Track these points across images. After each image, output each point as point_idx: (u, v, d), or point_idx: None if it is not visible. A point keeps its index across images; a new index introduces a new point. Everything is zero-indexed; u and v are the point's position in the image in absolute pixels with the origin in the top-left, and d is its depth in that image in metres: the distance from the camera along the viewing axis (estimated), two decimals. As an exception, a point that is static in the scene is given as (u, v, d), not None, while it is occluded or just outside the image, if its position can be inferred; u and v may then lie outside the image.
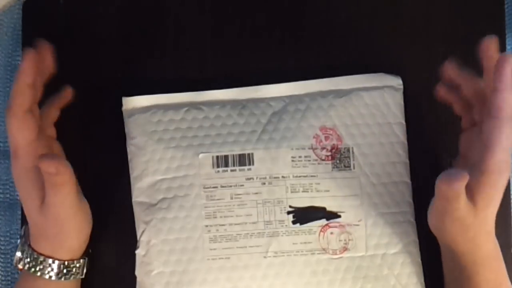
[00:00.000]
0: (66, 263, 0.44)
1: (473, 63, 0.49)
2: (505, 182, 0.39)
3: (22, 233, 0.46)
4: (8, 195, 0.50)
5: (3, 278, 0.49)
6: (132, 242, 0.47)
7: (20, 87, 0.41)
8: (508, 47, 0.50)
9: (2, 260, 0.50)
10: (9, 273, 0.49)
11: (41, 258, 0.43)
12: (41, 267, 0.43)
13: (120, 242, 0.48)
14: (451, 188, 0.38)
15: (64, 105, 0.47)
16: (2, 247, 0.50)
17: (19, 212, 0.49)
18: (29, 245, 0.44)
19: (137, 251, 0.47)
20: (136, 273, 0.47)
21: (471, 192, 0.39)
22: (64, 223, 0.43)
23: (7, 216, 0.50)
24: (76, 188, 0.43)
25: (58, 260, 0.43)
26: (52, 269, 0.43)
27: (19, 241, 0.45)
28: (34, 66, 0.41)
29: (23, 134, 0.41)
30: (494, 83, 0.38)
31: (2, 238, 0.50)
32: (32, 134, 0.42)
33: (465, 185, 0.37)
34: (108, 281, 0.48)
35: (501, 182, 0.39)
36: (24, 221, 0.48)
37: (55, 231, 0.43)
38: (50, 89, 0.49)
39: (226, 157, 0.47)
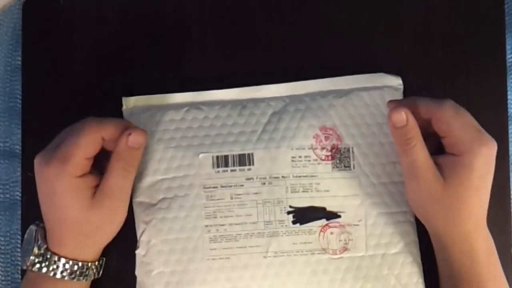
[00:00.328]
0: (89, 264, 0.44)
1: (472, 62, 0.49)
2: (484, 161, 0.41)
3: (35, 236, 0.44)
4: (8, 195, 0.50)
5: (3, 278, 0.49)
6: (132, 242, 0.47)
7: (122, 126, 0.43)
8: (508, 47, 0.50)
9: (2, 260, 0.50)
10: (9, 273, 0.49)
11: (63, 261, 0.43)
12: (63, 269, 0.43)
13: (120, 242, 0.48)
14: (393, 123, 0.41)
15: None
16: (2, 247, 0.50)
17: (19, 212, 0.49)
18: (47, 248, 0.44)
19: (137, 251, 0.47)
20: (136, 273, 0.47)
21: (442, 169, 0.42)
22: (119, 211, 0.44)
23: (7, 216, 0.50)
24: None
25: (82, 261, 0.44)
26: (74, 271, 0.43)
27: (33, 245, 0.44)
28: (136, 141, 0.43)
29: (87, 149, 0.42)
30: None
31: (2, 238, 0.50)
32: (92, 154, 0.43)
33: (408, 121, 0.41)
34: (108, 281, 0.48)
35: (476, 160, 0.41)
36: (25, 220, 0.49)
37: (103, 223, 0.43)
38: (50, 91, 0.50)
39: (226, 157, 0.47)
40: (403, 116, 0.41)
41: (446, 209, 0.42)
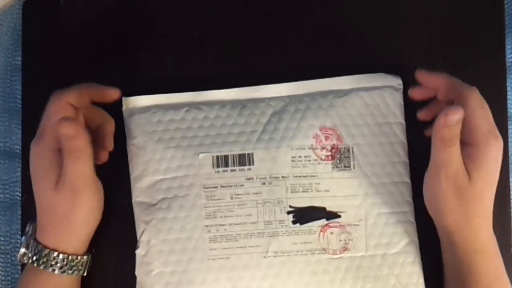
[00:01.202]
0: (70, 257, 0.44)
1: (472, 62, 0.50)
2: (497, 154, 0.42)
3: (28, 229, 0.46)
4: (8, 195, 0.50)
5: (3, 278, 0.49)
6: (132, 242, 0.47)
7: (85, 88, 0.44)
8: (508, 47, 0.50)
9: (2, 260, 0.50)
10: (9, 273, 0.49)
11: (46, 251, 0.43)
12: (45, 260, 0.43)
13: (120, 242, 0.48)
14: (447, 120, 0.40)
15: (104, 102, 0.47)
16: (2, 247, 0.50)
17: (19, 212, 0.49)
18: (34, 239, 0.44)
19: (137, 251, 0.47)
20: (136, 273, 0.47)
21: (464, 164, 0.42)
22: (80, 195, 0.43)
23: (7, 216, 0.50)
24: (92, 161, 0.44)
25: (63, 253, 0.44)
26: (57, 262, 0.44)
27: (23, 238, 0.45)
28: (105, 93, 0.45)
29: (56, 116, 0.43)
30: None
31: (2, 238, 0.50)
32: None
33: (460, 121, 0.40)
34: (108, 281, 0.48)
35: (491, 153, 0.42)
36: (25, 220, 0.49)
37: (68, 207, 0.43)
38: (50, 91, 0.50)
39: (226, 157, 0.47)
40: (460, 115, 0.40)
41: (466, 204, 0.42)
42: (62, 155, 0.43)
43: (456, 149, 0.42)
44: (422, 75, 0.44)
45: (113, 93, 0.45)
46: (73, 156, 0.42)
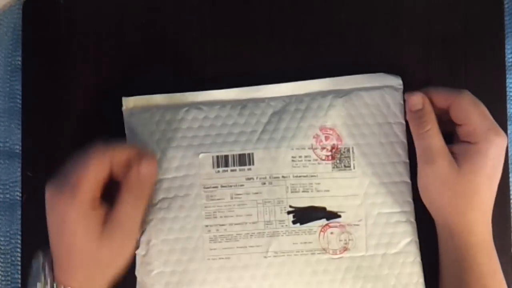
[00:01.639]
0: None
1: (472, 62, 0.50)
2: (499, 150, 0.42)
3: (42, 265, 0.42)
4: (8, 195, 0.50)
5: (3, 278, 0.49)
6: (132, 242, 0.47)
7: (128, 148, 0.43)
8: (508, 47, 0.50)
9: (2, 260, 0.49)
10: (9, 273, 0.49)
11: None
12: None
13: (120, 242, 0.48)
14: (409, 106, 0.44)
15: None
16: (2, 247, 0.50)
17: (19, 212, 0.49)
18: (53, 280, 0.41)
19: (137, 251, 0.47)
20: (136, 273, 0.47)
21: (456, 157, 0.43)
22: (128, 244, 0.42)
23: (7, 216, 0.50)
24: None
25: None
26: None
27: (41, 277, 0.42)
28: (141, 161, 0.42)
29: (96, 173, 0.41)
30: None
31: (2, 238, 0.50)
32: (101, 178, 0.41)
33: (423, 104, 0.44)
34: (108, 281, 0.48)
35: (492, 149, 0.42)
36: (25, 220, 0.49)
37: (113, 256, 0.42)
38: (50, 91, 0.50)
39: (226, 157, 0.47)
40: (420, 99, 0.44)
41: (458, 196, 0.42)
42: (99, 204, 0.41)
43: (432, 135, 0.43)
44: (409, 97, 0.45)
45: (151, 167, 0.43)
46: (137, 201, 0.42)
